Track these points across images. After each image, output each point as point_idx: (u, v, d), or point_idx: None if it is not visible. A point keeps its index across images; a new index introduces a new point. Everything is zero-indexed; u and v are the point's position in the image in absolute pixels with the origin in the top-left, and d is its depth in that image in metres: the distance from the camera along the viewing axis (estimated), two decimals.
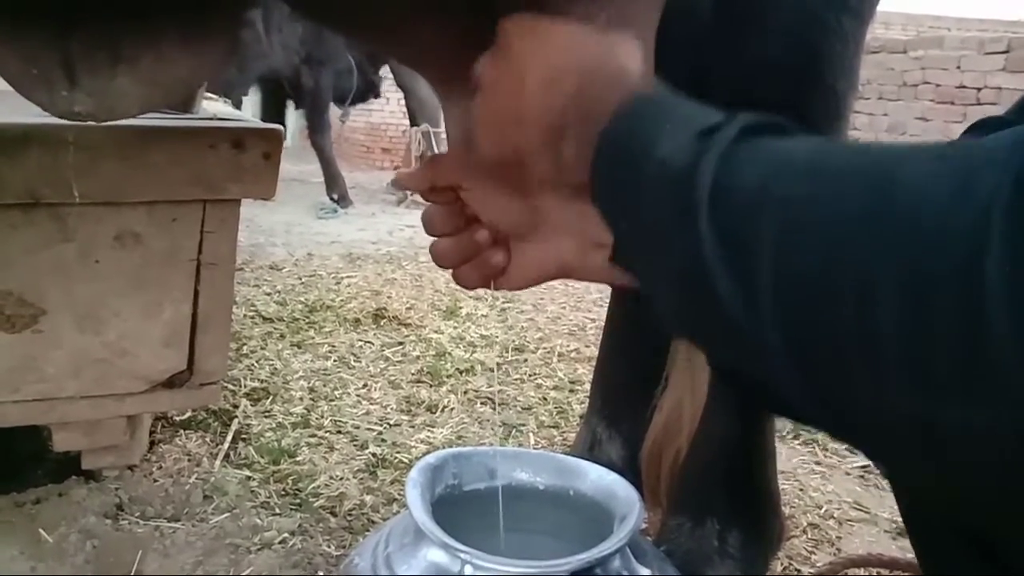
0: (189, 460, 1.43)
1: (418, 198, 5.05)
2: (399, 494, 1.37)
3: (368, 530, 1.26)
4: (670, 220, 0.44)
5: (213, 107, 1.63)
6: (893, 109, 6.04)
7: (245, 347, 2.08)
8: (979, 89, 5.39)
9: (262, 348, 2.10)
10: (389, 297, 2.67)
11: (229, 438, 1.52)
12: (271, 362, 1.99)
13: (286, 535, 1.21)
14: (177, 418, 1.57)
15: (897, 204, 0.36)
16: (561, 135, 0.53)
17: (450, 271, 0.68)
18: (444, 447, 1.57)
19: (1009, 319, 0.31)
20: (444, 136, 5.32)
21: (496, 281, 0.68)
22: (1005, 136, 0.36)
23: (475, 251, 0.67)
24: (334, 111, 5.48)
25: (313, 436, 1.60)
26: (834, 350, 0.37)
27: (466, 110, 0.62)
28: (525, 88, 0.54)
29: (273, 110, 5.21)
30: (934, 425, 0.35)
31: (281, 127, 1.18)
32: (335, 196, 5.18)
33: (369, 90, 5.51)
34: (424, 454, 1.50)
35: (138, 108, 0.55)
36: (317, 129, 5.24)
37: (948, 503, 0.42)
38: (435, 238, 0.68)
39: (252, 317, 2.38)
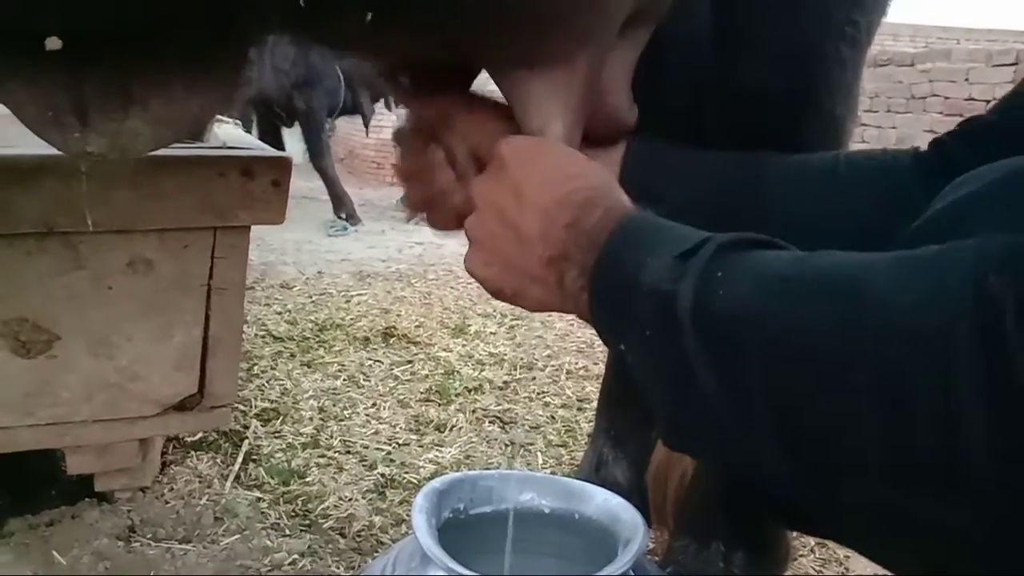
0: (200, 482, 1.44)
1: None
2: (408, 515, 1.37)
3: (377, 551, 1.27)
4: (658, 340, 0.46)
5: (225, 131, 1.65)
6: (901, 122, 6.03)
7: (256, 367, 2.10)
8: (988, 101, 5.37)
9: (272, 368, 2.11)
10: (398, 315, 2.69)
11: (240, 459, 1.54)
12: (281, 382, 2.01)
13: (296, 557, 1.22)
14: (188, 439, 1.59)
15: (868, 314, 0.38)
16: (563, 266, 0.53)
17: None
18: (452, 467, 1.58)
19: (980, 422, 0.34)
20: None
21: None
22: (965, 242, 0.38)
23: (442, 191, 0.71)
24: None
25: (323, 456, 1.61)
26: (819, 447, 0.40)
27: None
28: (525, 221, 0.55)
29: (269, 132, 5.19)
30: (911, 516, 0.38)
31: (288, 154, 1.20)
32: (343, 215, 5.20)
33: (358, 107, 5.45)
34: (432, 474, 1.52)
35: (150, 147, 0.56)
36: (316, 152, 5.21)
37: None
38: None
39: (263, 336, 2.40)
